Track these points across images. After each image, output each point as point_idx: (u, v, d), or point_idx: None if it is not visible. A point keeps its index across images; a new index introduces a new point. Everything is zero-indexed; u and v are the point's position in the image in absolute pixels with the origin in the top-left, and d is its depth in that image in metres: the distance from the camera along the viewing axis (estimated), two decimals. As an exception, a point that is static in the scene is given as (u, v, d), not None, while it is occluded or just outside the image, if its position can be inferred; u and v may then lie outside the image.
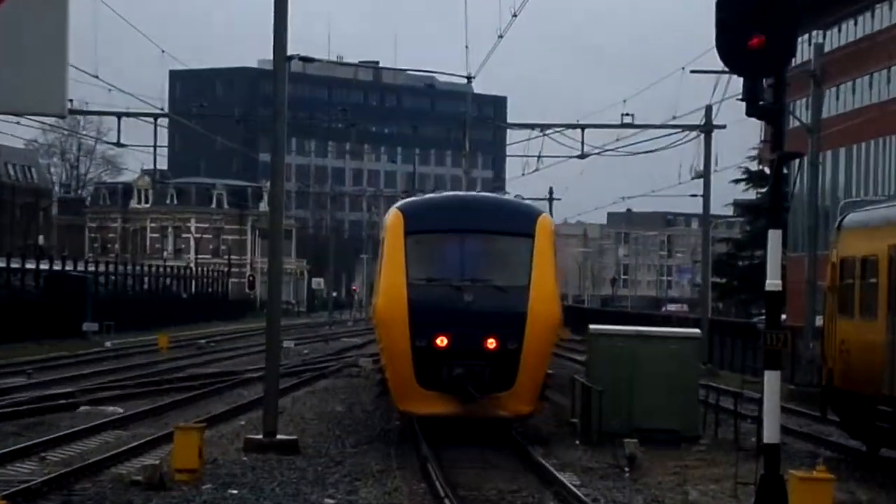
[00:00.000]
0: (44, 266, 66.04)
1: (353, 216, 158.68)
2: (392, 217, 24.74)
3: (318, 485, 19.73)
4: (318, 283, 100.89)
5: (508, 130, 71.84)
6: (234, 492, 18.80)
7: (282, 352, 36.31)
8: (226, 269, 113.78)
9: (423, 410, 24.09)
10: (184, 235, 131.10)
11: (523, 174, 56.52)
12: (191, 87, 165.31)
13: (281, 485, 19.62)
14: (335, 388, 37.48)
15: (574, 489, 19.16)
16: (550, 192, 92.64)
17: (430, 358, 23.65)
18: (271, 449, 22.84)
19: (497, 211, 25.08)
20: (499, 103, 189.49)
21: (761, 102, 16.55)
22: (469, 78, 55.55)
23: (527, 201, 28.99)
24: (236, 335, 70.42)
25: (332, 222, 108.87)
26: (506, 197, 29.02)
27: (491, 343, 23.65)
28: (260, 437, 23.40)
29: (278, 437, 23.41)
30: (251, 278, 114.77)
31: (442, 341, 23.64)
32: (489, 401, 23.77)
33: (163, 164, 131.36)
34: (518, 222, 24.48)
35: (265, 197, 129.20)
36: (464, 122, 52.93)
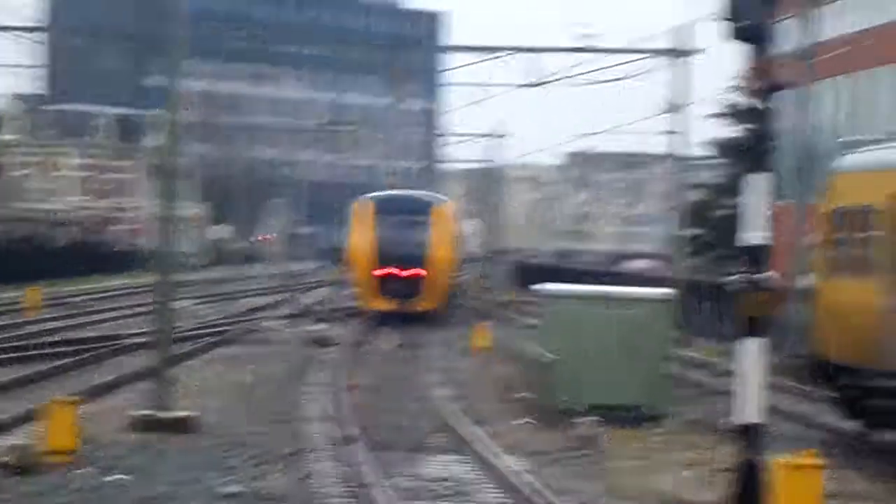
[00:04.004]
0: None
1: (263, 153, 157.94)
2: (366, 203, 55.57)
3: (218, 469, 19.71)
4: (222, 231, 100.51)
5: (448, 54, 71.46)
6: (118, 476, 18.73)
7: (176, 312, 36.10)
8: (110, 214, 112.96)
9: (378, 307, 52.74)
10: (60, 173, 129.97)
11: (464, 106, 56.55)
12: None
13: (174, 469, 19.57)
14: (240, 355, 37.46)
15: (520, 475, 19.26)
16: (496, 127, 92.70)
17: (383, 280, 52.77)
18: (163, 427, 22.83)
19: (417, 201, 56.91)
20: (439, 20, 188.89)
21: (746, 22, 16.55)
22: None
23: (436, 195, 64.50)
24: (122, 292, 70.06)
25: (238, 160, 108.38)
26: (424, 192, 66.35)
27: (414, 272, 53.03)
28: (149, 412, 23.36)
29: (171, 413, 23.37)
30: (140, 225, 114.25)
31: (389, 270, 52.80)
32: (412, 302, 52.83)
33: (36, 88, 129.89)
34: (427, 208, 55.55)
35: (160, 129, 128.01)
36: (395, 42, 52.70)
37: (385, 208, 54.55)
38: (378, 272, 52.59)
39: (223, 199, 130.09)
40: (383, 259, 52.59)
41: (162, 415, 23.17)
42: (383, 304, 52.81)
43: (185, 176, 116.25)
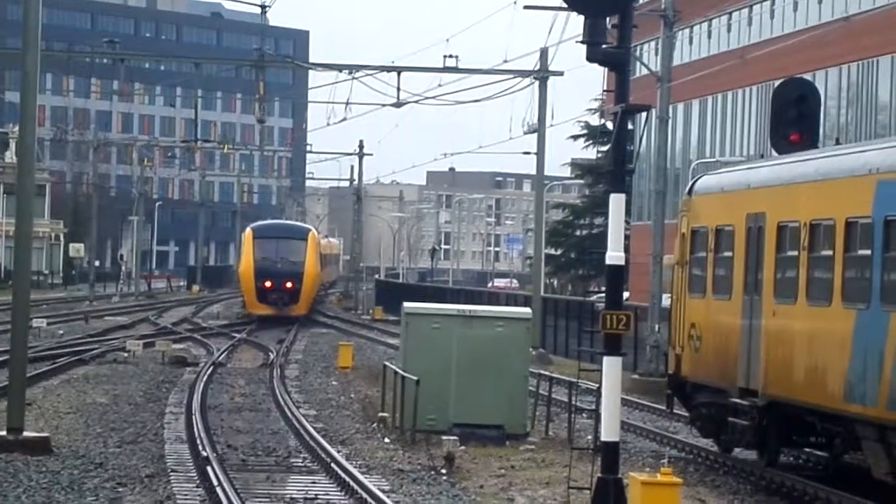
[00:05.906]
0: None
1: (121, 170, 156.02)
2: (248, 231, 71.43)
3: (74, 491, 19.53)
4: (78, 249, 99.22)
5: (311, 72, 71.28)
6: (-29, 500, 18.48)
7: (31, 332, 35.59)
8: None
9: (260, 312, 66.22)
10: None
11: (328, 124, 56.54)
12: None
13: (28, 491, 19.36)
14: (97, 376, 37.08)
15: (381, 495, 19.36)
16: (361, 145, 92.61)
17: (263, 291, 67.00)
18: (17, 448, 22.56)
19: (291, 228, 75.73)
20: (300, 39, 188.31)
21: (604, 45, 16.88)
22: (263, 7, 55.20)
23: (306, 224, 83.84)
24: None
25: (95, 177, 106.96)
26: (298, 222, 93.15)
27: (289, 284, 67.31)
28: (3, 433, 23.07)
29: (25, 433, 23.12)
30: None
31: (268, 283, 67.02)
32: (288, 308, 66.55)
33: None
34: (300, 234, 72.07)
35: (12, 145, 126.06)
36: (257, 60, 52.68)
37: (264, 233, 70.12)
38: (259, 284, 66.72)
39: (75, 216, 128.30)
40: (264, 273, 66.90)
41: (16, 435, 22.89)
42: (264, 310, 66.53)
43: (39, 193, 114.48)
